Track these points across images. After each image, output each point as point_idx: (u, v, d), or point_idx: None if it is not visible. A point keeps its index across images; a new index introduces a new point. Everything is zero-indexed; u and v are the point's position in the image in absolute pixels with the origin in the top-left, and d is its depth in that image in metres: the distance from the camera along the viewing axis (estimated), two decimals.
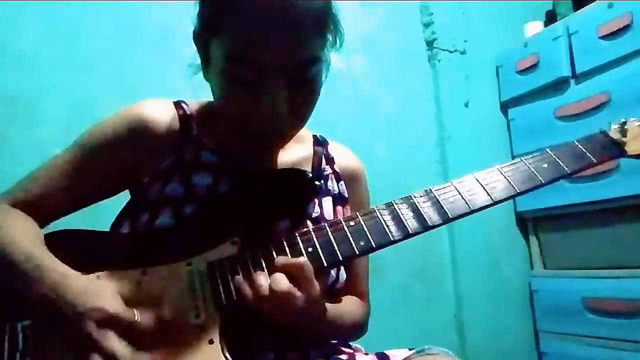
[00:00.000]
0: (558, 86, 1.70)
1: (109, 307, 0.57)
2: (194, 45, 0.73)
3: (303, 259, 0.62)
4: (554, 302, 1.69)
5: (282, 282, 0.60)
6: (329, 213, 0.78)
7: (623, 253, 1.53)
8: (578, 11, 1.70)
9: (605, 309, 1.52)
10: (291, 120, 0.67)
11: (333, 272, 0.74)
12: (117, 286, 0.62)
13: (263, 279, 0.61)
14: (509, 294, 1.81)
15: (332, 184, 0.82)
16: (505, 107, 1.92)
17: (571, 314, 1.61)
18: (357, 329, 0.82)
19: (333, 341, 0.76)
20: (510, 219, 1.86)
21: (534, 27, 1.86)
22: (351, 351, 0.74)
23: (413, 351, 0.67)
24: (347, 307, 0.79)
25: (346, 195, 0.83)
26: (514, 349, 1.78)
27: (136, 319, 0.59)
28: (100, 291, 0.59)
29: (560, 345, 1.67)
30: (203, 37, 0.69)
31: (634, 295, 1.44)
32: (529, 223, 1.85)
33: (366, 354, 0.73)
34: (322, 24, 0.67)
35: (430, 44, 1.85)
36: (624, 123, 0.75)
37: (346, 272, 0.78)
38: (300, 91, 0.66)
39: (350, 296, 0.83)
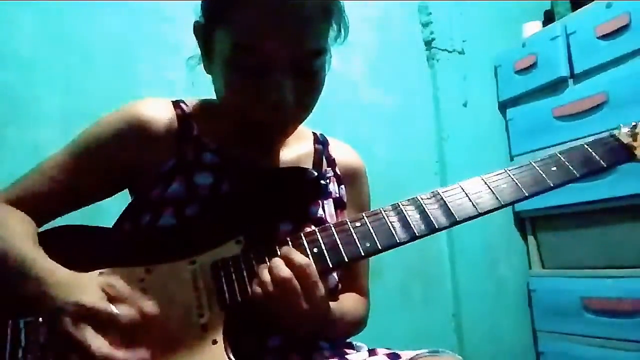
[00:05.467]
0: (556, 86, 1.70)
1: (86, 299, 0.54)
2: (195, 38, 0.73)
3: (306, 259, 0.61)
4: (552, 302, 1.70)
5: (281, 267, 0.59)
6: (331, 215, 0.78)
7: (621, 253, 1.53)
8: (576, 11, 1.70)
9: (603, 309, 1.53)
10: (295, 111, 0.67)
11: (335, 275, 0.74)
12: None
13: (267, 275, 0.60)
14: (507, 294, 1.81)
15: (333, 187, 0.81)
16: (503, 107, 1.92)
17: (569, 313, 1.62)
18: (358, 325, 0.82)
19: (333, 340, 0.75)
20: (508, 219, 1.86)
21: (532, 27, 1.87)
22: (354, 352, 0.74)
23: (425, 350, 0.67)
24: (348, 305, 0.79)
25: (345, 200, 0.83)
26: (512, 348, 1.78)
27: (115, 312, 0.55)
28: (80, 284, 0.57)
29: (558, 344, 1.67)
30: (207, 28, 0.69)
31: (632, 294, 1.45)
32: (527, 222, 1.85)
33: (370, 350, 0.72)
34: (329, 16, 0.67)
35: (428, 43, 1.85)
36: (635, 126, 0.73)
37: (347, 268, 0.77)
38: (305, 82, 0.67)
39: (350, 293, 0.82)
